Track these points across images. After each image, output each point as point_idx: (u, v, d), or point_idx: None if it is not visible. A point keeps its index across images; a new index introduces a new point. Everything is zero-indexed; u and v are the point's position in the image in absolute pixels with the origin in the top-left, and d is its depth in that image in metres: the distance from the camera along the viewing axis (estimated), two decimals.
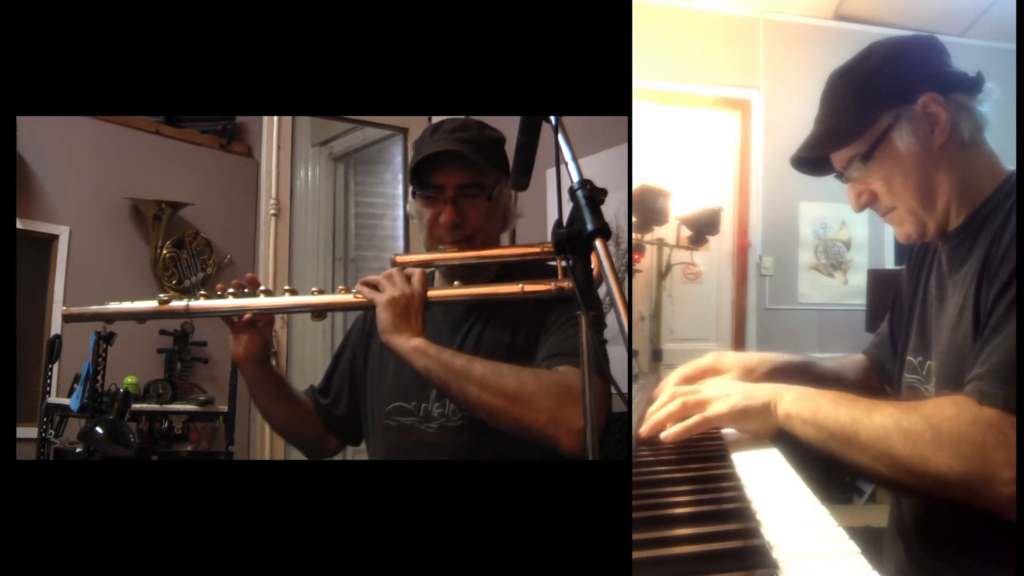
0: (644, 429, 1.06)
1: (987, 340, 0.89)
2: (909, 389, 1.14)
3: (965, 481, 0.81)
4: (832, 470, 0.93)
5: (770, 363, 1.25)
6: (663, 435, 1.03)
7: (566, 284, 1.17)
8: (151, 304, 1.27)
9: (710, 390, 1.05)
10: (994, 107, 1.05)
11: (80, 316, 1.28)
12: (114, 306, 1.28)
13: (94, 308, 1.28)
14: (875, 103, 1.05)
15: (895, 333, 1.26)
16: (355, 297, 1.23)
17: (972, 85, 1.04)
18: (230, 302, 1.26)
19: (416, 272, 1.22)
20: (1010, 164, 1.06)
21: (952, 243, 1.07)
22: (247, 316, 1.28)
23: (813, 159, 1.14)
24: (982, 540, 0.93)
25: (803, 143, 1.13)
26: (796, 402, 0.96)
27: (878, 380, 1.32)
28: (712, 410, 1.01)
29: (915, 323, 1.16)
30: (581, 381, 1.07)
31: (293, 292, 1.28)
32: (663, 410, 1.06)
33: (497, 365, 1.14)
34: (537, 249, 1.24)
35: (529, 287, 1.19)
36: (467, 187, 1.28)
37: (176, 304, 1.26)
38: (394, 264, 1.26)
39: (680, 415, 1.04)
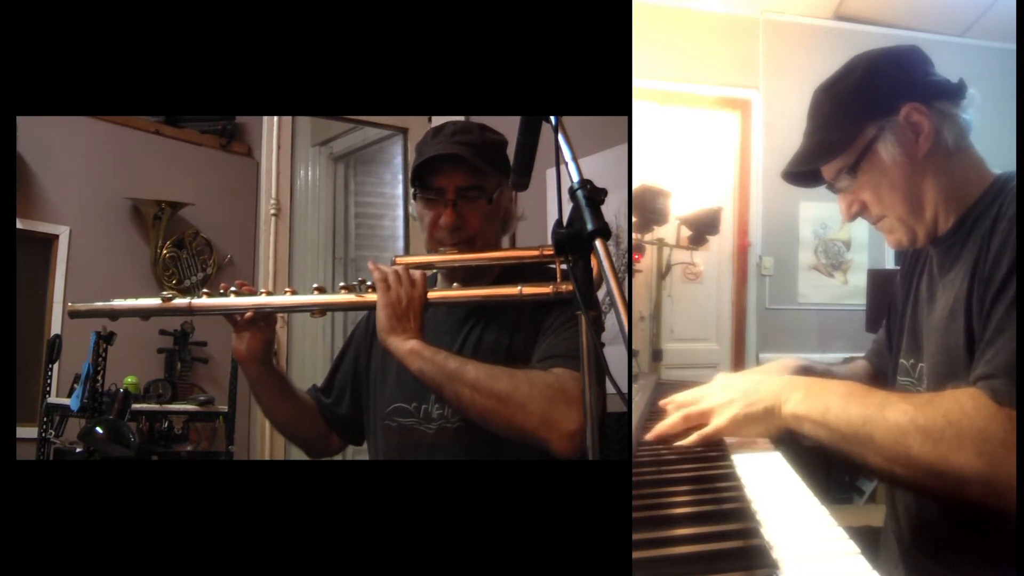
0: (649, 437, 1.06)
1: (990, 342, 0.88)
2: (902, 392, 1.14)
3: (987, 480, 0.78)
4: (834, 470, 0.93)
5: (790, 370, 1.22)
6: (679, 443, 1.02)
7: (564, 287, 1.17)
8: (155, 301, 1.28)
9: (711, 398, 1.04)
10: (977, 112, 1.06)
11: (86, 312, 1.30)
12: (119, 302, 1.29)
13: (99, 304, 1.30)
14: (859, 115, 1.06)
15: (891, 337, 1.27)
16: (357, 297, 1.24)
17: (955, 92, 1.05)
18: (232, 300, 1.27)
19: (417, 273, 1.22)
20: (1006, 166, 1.07)
21: (942, 247, 1.08)
22: (249, 314, 1.28)
23: (803, 172, 1.15)
24: (976, 542, 0.93)
25: (792, 158, 1.14)
26: (804, 402, 0.93)
27: (881, 384, 1.31)
28: (712, 425, 1.00)
29: (907, 326, 1.17)
30: (577, 383, 1.09)
31: (294, 292, 1.28)
32: (664, 423, 1.05)
33: (491, 367, 1.15)
34: (536, 252, 1.24)
35: (527, 289, 1.20)
36: (467, 190, 1.28)
37: (179, 301, 1.27)
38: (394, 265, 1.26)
39: (682, 427, 1.04)
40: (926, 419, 0.82)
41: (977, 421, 0.80)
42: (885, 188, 1.07)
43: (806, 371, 1.24)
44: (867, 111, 1.06)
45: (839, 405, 0.89)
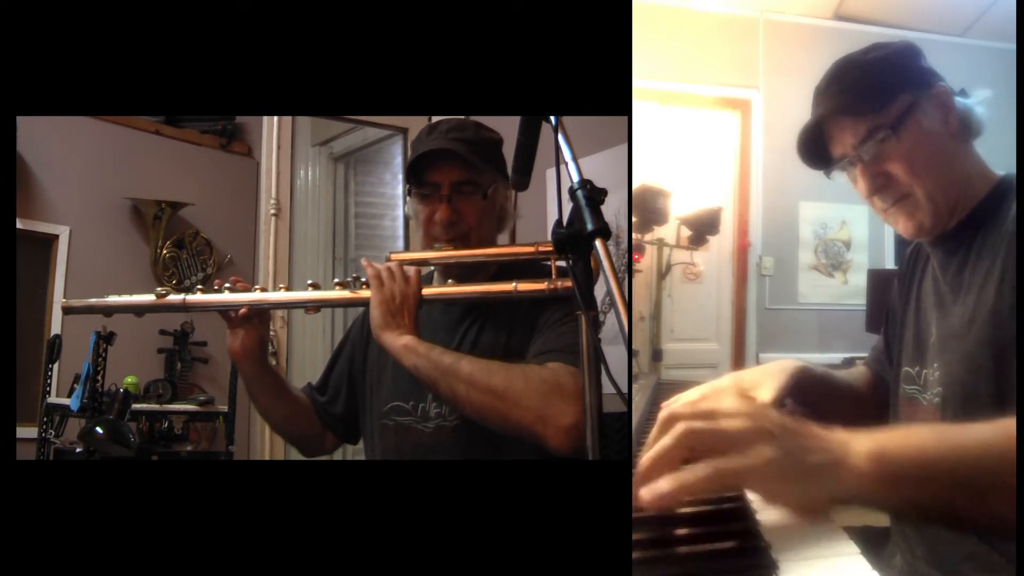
0: (642, 471, 0.71)
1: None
2: (908, 400, 1.12)
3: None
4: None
5: (791, 372, 1.10)
6: (659, 488, 0.67)
7: (560, 283, 1.17)
8: (149, 297, 1.28)
9: (727, 422, 0.70)
10: (989, 110, 1.05)
11: (79, 308, 1.30)
12: (113, 299, 1.29)
13: (93, 301, 1.30)
14: (894, 83, 1.03)
15: (890, 344, 1.24)
16: (351, 293, 1.24)
17: (960, 92, 1.05)
18: (226, 296, 1.27)
19: (411, 270, 1.22)
20: (1006, 166, 1.06)
21: (945, 247, 1.05)
22: (243, 311, 1.28)
23: (816, 150, 1.10)
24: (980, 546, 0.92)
25: (812, 119, 1.07)
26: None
27: (884, 392, 1.30)
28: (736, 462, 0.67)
29: (909, 332, 1.14)
30: (572, 378, 1.09)
31: (288, 289, 1.28)
32: (660, 444, 0.72)
33: (486, 363, 1.15)
34: (531, 249, 1.24)
35: (523, 286, 1.20)
36: (462, 184, 1.28)
37: (173, 297, 1.28)
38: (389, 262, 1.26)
39: (684, 452, 0.70)
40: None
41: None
42: (921, 158, 1.01)
43: (805, 372, 1.19)
44: (902, 80, 1.03)
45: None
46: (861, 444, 0.67)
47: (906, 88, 1.03)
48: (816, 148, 1.10)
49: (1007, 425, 0.67)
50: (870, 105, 1.02)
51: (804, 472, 0.65)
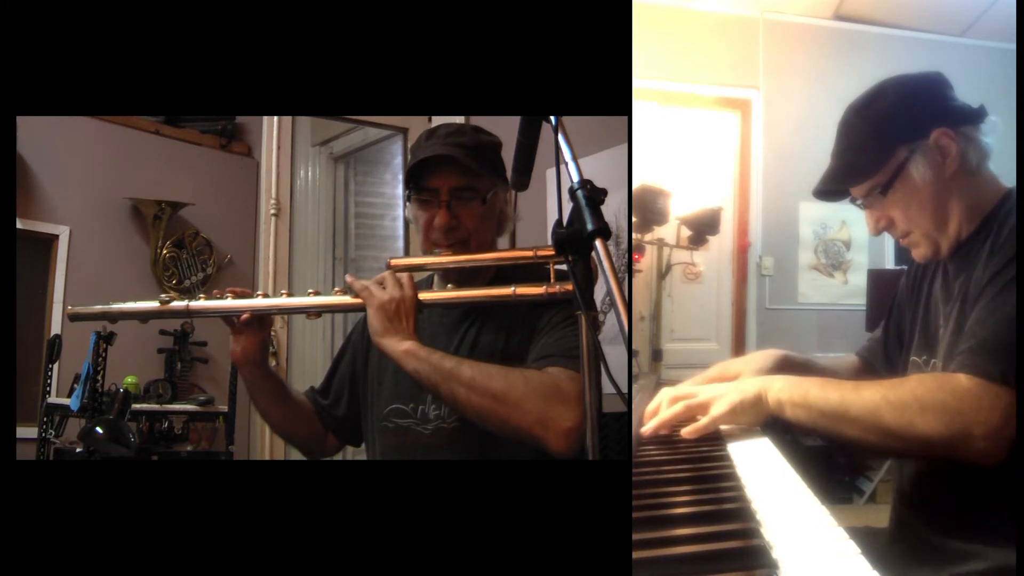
0: (647, 431, 1.08)
1: (977, 319, 0.98)
2: None
3: (946, 440, 0.91)
4: (833, 471, 0.96)
5: (773, 358, 1.30)
6: (684, 431, 1.06)
7: (558, 287, 1.18)
8: (153, 304, 1.29)
9: (706, 392, 1.09)
10: (999, 139, 1.12)
11: (85, 315, 1.31)
12: (117, 306, 1.30)
13: (98, 307, 1.31)
14: (891, 139, 1.13)
15: (888, 339, 1.33)
16: (352, 299, 1.25)
17: (976, 117, 1.12)
18: (229, 302, 1.28)
19: (405, 275, 1.23)
20: (1006, 165, 1.13)
21: (956, 255, 1.14)
22: (245, 316, 1.29)
23: (833, 190, 1.21)
24: (977, 514, 1.00)
25: (824, 176, 1.20)
26: (785, 389, 1.04)
27: (868, 379, 1.35)
28: (714, 411, 1.05)
29: (918, 326, 1.22)
30: (572, 382, 1.10)
31: (290, 294, 1.30)
32: (667, 412, 1.09)
33: (487, 367, 1.16)
34: (530, 253, 1.25)
35: (521, 290, 1.20)
36: (461, 190, 1.29)
37: (177, 304, 1.29)
38: (389, 267, 1.27)
39: (684, 418, 1.08)
40: (896, 396, 0.95)
41: (938, 395, 0.93)
42: (914, 206, 1.13)
43: (787, 361, 1.31)
44: (898, 135, 1.12)
45: (817, 389, 1.01)
46: (773, 388, 1.04)
47: (904, 139, 1.12)
48: (833, 192, 1.22)
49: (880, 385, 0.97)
50: (867, 170, 1.15)
51: (746, 406, 1.04)
